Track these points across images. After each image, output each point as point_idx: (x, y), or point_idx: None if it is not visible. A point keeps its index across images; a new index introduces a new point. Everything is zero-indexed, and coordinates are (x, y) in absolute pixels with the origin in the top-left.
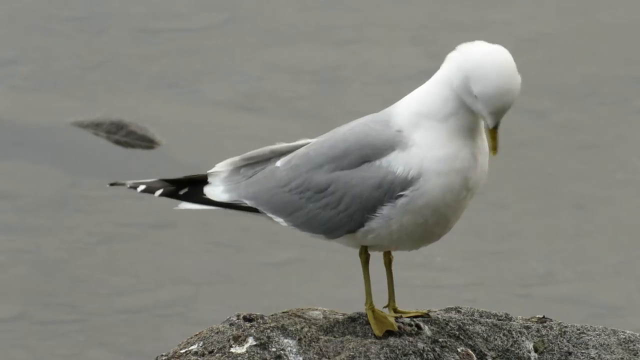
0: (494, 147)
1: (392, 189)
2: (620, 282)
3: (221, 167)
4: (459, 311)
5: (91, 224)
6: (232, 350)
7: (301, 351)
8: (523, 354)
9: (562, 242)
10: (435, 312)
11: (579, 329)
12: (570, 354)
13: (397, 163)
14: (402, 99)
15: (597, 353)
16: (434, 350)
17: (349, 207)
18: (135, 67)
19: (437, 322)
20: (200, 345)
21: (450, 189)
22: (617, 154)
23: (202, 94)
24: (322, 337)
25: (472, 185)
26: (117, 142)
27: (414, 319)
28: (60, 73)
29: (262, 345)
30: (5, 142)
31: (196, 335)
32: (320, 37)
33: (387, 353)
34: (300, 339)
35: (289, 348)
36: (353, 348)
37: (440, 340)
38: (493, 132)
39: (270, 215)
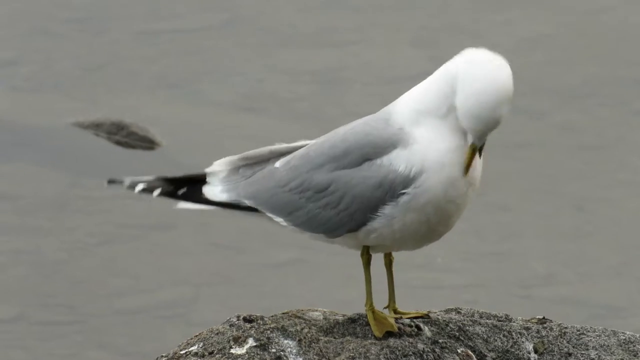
0: (465, 167)
1: (393, 188)
2: (620, 283)
3: (219, 166)
4: (459, 312)
5: (91, 225)
6: (232, 351)
7: (301, 352)
8: (523, 354)
9: (563, 242)
10: (435, 313)
11: (579, 330)
12: (570, 354)
13: (399, 161)
14: (401, 96)
15: (597, 354)
16: (434, 351)
17: (350, 207)
18: (135, 68)
19: (437, 323)
20: (201, 346)
21: (453, 185)
22: (617, 154)
23: (202, 95)
24: (322, 338)
25: (473, 181)
26: (118, 143)
27: (414, 320)
28: (61, 74)
29: (262, 346)
30: (6, 142)
31: (196, 336)
32: (320, 38)
33: (387, 354)
34: (300, 340)
35: (289, 349)
36: (353, 349)
37: (440, 341)
38: (470, 150)
39: (269, 215)
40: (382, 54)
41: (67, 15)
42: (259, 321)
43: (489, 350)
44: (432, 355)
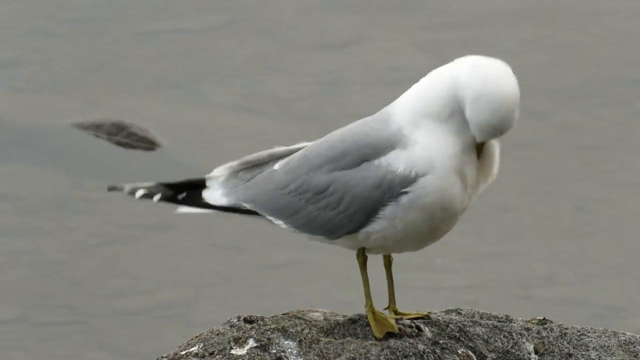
0: (478, 153)
1: (392, 188)
2: (621, 284)
3: (219, 172)
4: (459, 313)
5: (91, 226)
6: (233, 352)
7: (302, 353)
8: (523, 355)
9: (563, 243)
10: (435, 313)
11: (579, 331)
12: (570, 355)
13: (398, 162)
14: (400, 97)
15: (597, 355)
16: (435, 352)
17: (349, 208)
18: (135, 69)
19: (437, 323)
20: (201, 346)
21: (451, 185)
22: (618, 155)
23: (202, 96)
24: (322, 338)
25: (475, 180)
26: (118, 144)
27: (415, 321)
28: (61, 74)
29: (263, 347)
30: (6, 143)
31: (196, 336)
32: (320, 38)
33: (387, 355)
34: (300, 341)
35: (289, 350)
36: (353, 350)
37: (440, 341)
38: (478, 147)
39: (269, 217)
40: (383, 54)
41: (67, 15)
42: (259, 322)
43: (490, 351)
44: (432, 356)
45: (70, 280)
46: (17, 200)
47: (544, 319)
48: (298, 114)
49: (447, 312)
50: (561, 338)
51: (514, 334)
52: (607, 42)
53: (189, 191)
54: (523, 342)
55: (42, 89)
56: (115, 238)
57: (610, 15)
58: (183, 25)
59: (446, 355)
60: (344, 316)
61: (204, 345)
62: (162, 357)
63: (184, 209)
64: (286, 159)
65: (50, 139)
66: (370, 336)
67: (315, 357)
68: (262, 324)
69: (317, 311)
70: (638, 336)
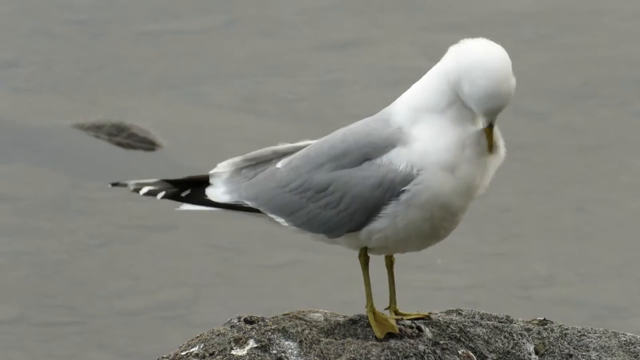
0: (488, 146)
1: (393, 187)
2: (621, 284)
3: (223, 168)
4: (459, 313)
5: (92, 226)
6: (233, 352)
7: (302, 353)
8: (524, 356)
9: (564, 244)
10: (436, 314)
11: (579, 331)
12: (571, 356)
13: (399, 160)
14: (400, 96)
15: (598, 355)
16: (435, 353)
17: (350, 207)
18: (136, 69)
19: (438, 324)
20: (201, 347)
21: (453, 180)
22: (618, 156)
23: (203, 96)
24: (323, 339)
25: (476, 175)
26: (118, 144)
27: (415, 321)
28: (61, 75)
29: (263, 348)
30: (6, 144)
31: (197, 337)
32: (320, 39)
33: (388, 355)
34: (301, 341)
35: (289, 350)
36: (354, 350)
37: (441, 342)
38: (487, 131)
39: (271, 215)
40: (383, 55)
41: (68, 16)
42: (259, 322)
43: (490, 352)
44: (433, 357)
45: (71, 280)
46: (17, 201)
47: (545, 319)
48: (298, 115)
49: (448, 312)
50: (562, 338)
51: (514, 335)
52: (608, 43)
53: (192, 188)
54: (523, 343)
55: (42, 90)
56: (115, 238)
57: (610, 15)
58: (183, 26)
59: (447, 356)
60: (344, 317)
61: (205, 346)
62: (163, 357)
63: (187, 207)
64: (289, 157)
65: (51, 140)
66: (370, 337)
67: (315, 358)
68: (262, 324)
69: (317, 312)
70: (638, 337)
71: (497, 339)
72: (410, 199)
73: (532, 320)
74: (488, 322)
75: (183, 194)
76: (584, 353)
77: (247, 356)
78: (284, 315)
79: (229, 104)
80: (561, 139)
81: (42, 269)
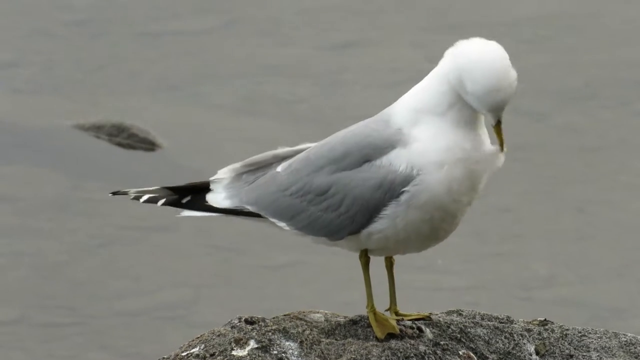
0: (500, 144)
1: (393, 188)
2: (622, 285)
3: (223, 174)
4: (460, 314)
5: (92, 227)
6: (234, 353)
7: (303, 354)
8: (524, 356)
9: (564, 244)
10: (436, 314)
11: (580, 332)
12: (571, 356)
13: (399, 161)
14: (400, 98)
15: (598, 356)
16: (436, 353)
17: (350, 209)
18: (136, 70)
19: (438, 324)
20: (202, 348)
21: (453, 181)
22: (619, 156)
23: (203, 97)
24: (323, 339)
25: (476, 177)
26: (119, 145)
27: (416, 322)
28: (62, 76)
29: (264, 348)
30: (7, 144)
31: (197, 338)
32: (320, 40)
33: (388, 356)
34: (301, 342)
35: (290, 351)
36: (354, 351)
37: (441, 343)
38: (497, 129)
39: (272, 220)
40: (383, 56)
41: (68, 17)
42: (260, 323)
43: (491, 352)
44: (433, 357)
45: (71, 281)
46: (17, 202)
47: (545, 320)
48: (298, 116)
49: (448, 313)
50: (562, 339)
51: (515, 335)
52: (608, 44)
53: (193, 195)
54: (524, 343)
55: (42, 91)
56: (115, 239)
57: (610, 16)
58: (183, 27)
59: (447, 357)
60: (345, 317)
61: (205, 347)
62: (163, 358)
63: (188, 213)
64: (289, 161)
65: (51, 140)
66: (371, 337)
67: (316, 358)
68: (263, 325)
69: (318, 312)
70: (639, 337)
71: (497, 340)
72: (410, 200)
73: (533, 320)
74: (489, 322)
75: (184, 201)
76: (584, 353)
77: (248, 357)
78: (284, 315)
79: (229, 105)
80: (561, 139)
81: (43, 270)
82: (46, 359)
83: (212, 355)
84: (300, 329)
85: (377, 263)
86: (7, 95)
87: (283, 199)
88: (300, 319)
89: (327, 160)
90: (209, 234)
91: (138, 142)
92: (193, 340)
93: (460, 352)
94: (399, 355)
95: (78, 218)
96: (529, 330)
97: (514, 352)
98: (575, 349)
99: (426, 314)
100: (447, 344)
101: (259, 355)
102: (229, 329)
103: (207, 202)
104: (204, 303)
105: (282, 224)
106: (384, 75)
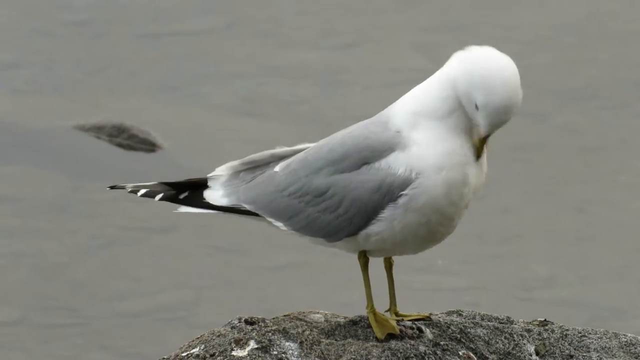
0: (478, 155)
1: (391, 191)
2: (622, 286)
3: (221, 171)
4: (460, 314)
5: (93, 228)
6: (234, 353)
7: (303, 354)
8: (524, 357)
9: (564, 245)
10: (436, 315)
11: (580, 332)
12: (571, 357)
13: (397, 164)
14: (399, 99)
15: (598, 356)
16: (436, 354)
17: (348, 211)
18: (136, 71)
19: (438, 325)
20: (202, 348)
21: (451, 185)
22: (619, 157)
23: (203, 98)
24: (323, 340)
25: (473, 182)
26: (119, 146)
27: (416, 322)
28: (62, 76)
29: (264, 349)
30: (7, 145)
31: (197, 338)
32: (321, 40)
33: (388, 356)
34: (301, 342)
35: (290, 351)
36: (355, 351)
37: (441, 343)
38: (483, 141)
39: (269, 219)
40: (383, 56)
41: (68, 17)
42: (260, 323)
43: (491, 353)
44: (433, 358)
45: (71, 282)
46: (17, 202)
47: (545, 320)
48: (298, 116)
49: (448, 313)
50: (562, 339)
51: (515, 336)
52: (608, 44)
53: (190, 191)
54: (524, 344)
55: (42, 91)
56: (116, 240)
57: (611, 17)
58: (184, 27)
59: (447, 357)
60: (344, 317)
61: (205, 347)
62: (163, 358)
63: (185, 209)
64: (287, 161)
65: (51, 141)
66: (371, 337)
67: (316, 359)
68: (263, 325)
69: (318, 312)
70: (639, 337)
71: (497, 340)
72: (407, 203)
73: (533, 321)
74: (489, 323)
75: (181, 196)
76: (584, 354)
77: (248, 357)
78: (284, 316)
79: (230, 105)
80: (562, 140)
81: (43, 271)
82: None
83: (212, 355)
84: (300, 330)
85: (377, 264)
86: (7, 96)
87: (281, 199)
88: (300, 320)
89: (326, 162)
90: (210, 234)
91: (138, 142)
92: (193, 341)
93: (460, 353)
94: (399, 355)
95: (78, 219)
96: (529, 331)
97: (514, 352)
98: (575, 349)
99: (426, 314)
100: (447, 345)
101: (259, 356)
102: (229, 329)
103: (204, 199)
104: (205, 304)
105: (279, 224)
106: (384, 76)
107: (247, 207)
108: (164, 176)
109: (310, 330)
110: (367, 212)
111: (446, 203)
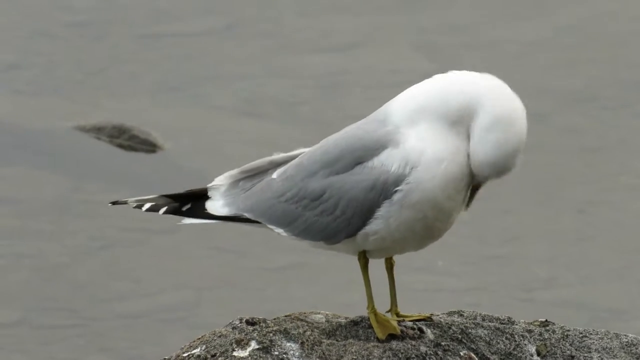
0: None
1: (386, 189)
2: (623, 286)
3: (220, 181)
4: (461, 315)
5: (93, 229)
6: (235, 354)
7: (304, 355)
8: (525, 357)
9: (565, 246)
10: (437, 315)
11: (581, 333)
12: (572, 357)
13: (391, 161)
14: (398, 96)
15: (599, 357)
16: (437, 354)
17: (346, 212)
18: (137, 72)
19: (439, 325)
20: (203, 348)
21: (446, 179)
22: (619, 157)
23: (204, 99)
24: (324, 340)
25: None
26: (120, 146)
27: (417, 323)
28: (62, 77)
29: (265, 349)
30: (7, 146)
31: (199, 338)
32: (321, 41)
33: (389, 356)
34: (302, 343)
35: (291, 352)
36: (356, 352)
37: (442, 343)
38: (474, 191)
39: (269, 226)
40: (383, 57)
41: (69, 18)
42: (261, 324)
43: (492, 353)
44: (434, 358)
45: (72, 283)
46: (18, 203)
47: (546, 321)
48: (299, 117)
49: (449, 314)
50: (563, 340)
51: (516, 336)
52: (609, 45)
53: (192, 202)
54: (525, 344)
55: (43, 92)
56: (116, 241)
57: (611, 17)
58: (184, 28)
59: (448, 357)
60: (346, 318)
61: (206, 347)
62: (165, 359)
63: (189, 221)
64: (284, 167)
65: (52, 142)
66: (372, 338)
67: (317, 359)
68: (264, 325)
69: (319, 313)
70: None
71: (498, 341)
72: (402, 199)
73: (534, 321)
74: (490, 323)
75: (184, 208)
76: (585, 354)
77: (249, 357)
78: (285, 316)
79: (230, 106)
80: (562, 140)
81: (43, 272)
82: None
83: (213, 356)
84: (301, 330)
85: (378, 265)
86: (8, 97)
87: (279, 206)
88: (301, 320)
89: (321, 165)
90: (210, 236)
91: (139, 143)
92: (194, 341)
93: (462, 353)
94: (400, 356)
95: (79, 220)
96: (530, 331)
97: (515, 352)
98: (576, 349)
99: (427, 315)
100: (448, 345)
101: (260, 356)
102: (230, 329)
103: (206, 209)
104: (206, 305)
105: (279, 230)
106: (384, 77)
107: (247, 215)
108: (165, 177)
109: (312, 331)
110: (364, 212)
111: (442, 197)
